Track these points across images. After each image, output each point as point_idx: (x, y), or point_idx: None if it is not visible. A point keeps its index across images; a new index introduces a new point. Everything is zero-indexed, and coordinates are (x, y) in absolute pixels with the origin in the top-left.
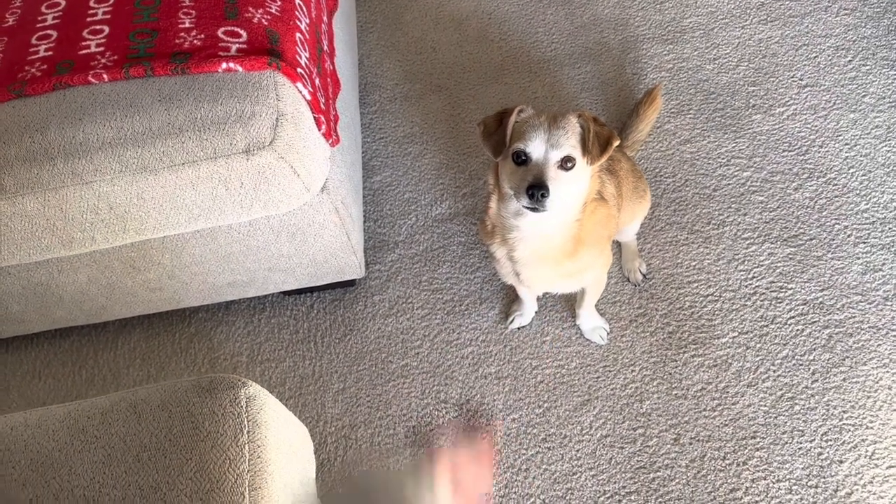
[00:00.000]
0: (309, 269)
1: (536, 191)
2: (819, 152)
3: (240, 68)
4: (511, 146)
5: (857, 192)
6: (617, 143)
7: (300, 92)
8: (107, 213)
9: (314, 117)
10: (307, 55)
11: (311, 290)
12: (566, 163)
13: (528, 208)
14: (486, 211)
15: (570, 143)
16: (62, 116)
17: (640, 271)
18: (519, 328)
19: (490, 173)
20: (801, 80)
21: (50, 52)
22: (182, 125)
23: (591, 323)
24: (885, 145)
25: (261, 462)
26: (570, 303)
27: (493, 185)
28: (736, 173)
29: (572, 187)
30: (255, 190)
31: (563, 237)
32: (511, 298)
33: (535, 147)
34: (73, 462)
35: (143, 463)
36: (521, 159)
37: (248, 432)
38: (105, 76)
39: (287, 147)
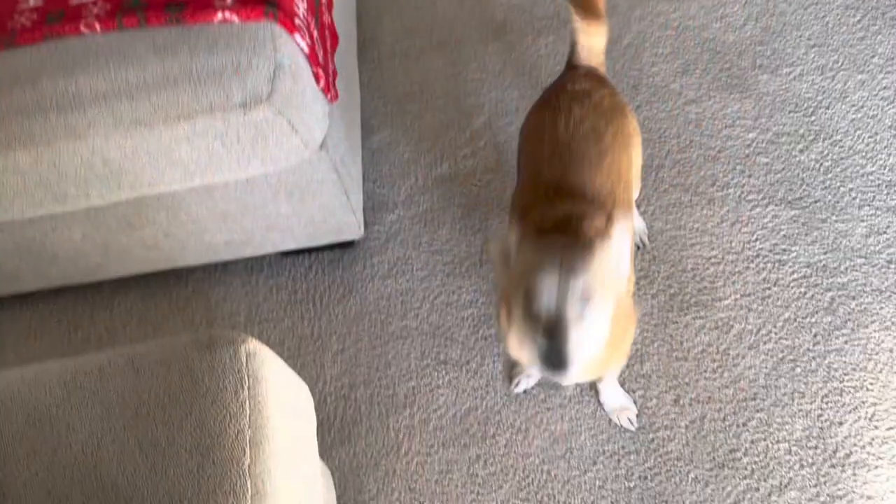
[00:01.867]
0: (307, 228)
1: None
2: (826, 114)
3: (236, 18)
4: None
5: (864, 154)
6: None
7: (298, 44)
8: (101, 169)
9: (312, 71)
10: (305, 6)
11: (309, 250)
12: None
13: None
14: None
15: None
16: (54, 68)
17: (642, 240)
18: (524, 392)
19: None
20: (808, 39)
21: (40, 2)
22: (177, 77)
23: (617, 401)
24: (893, 107)
25: (261, 418)
26: None
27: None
28: (741, 134)
29: None
30: (252, 146)
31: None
32: (514, 362)
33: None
34: (71, 417)
35: (141, 418)
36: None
37: (248, 388)
38: (97, 26)
39: (285, 101)
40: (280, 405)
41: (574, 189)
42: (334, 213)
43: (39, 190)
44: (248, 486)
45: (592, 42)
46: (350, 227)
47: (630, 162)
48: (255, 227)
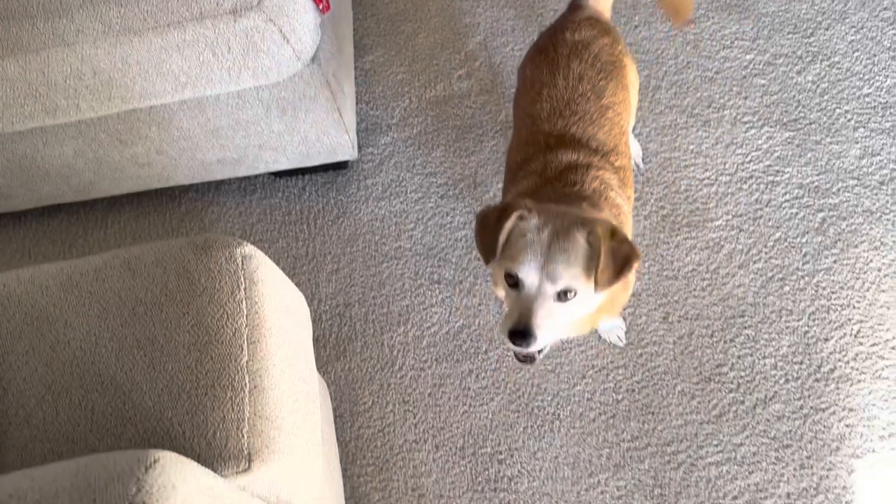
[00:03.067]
0: (300, 147)
1: (519, 339)
2: (824, 35)
3: None
4: (503, 261)
5: (861, 76)
6: (638, 263)
7: None
8: (91, 79)
9: None
10: None
11: (302, 171)
12: (565, 294)
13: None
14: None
15: (570, 272)
16: None
17: (636, 163)
18: None
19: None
20: None
21: None
22: None
23: (608, 323)
24: (893, 28)
25: (258, 317)
26: None
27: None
28: (739, 56)
29: (571, 317)
30: (243, 56)
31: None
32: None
33: (528, 273)
34: (68, 316)
35: (139, 317)
36: (513, 281)
37: (244, 289)
38: None
39: (276, 9)
40: (276, 307)
41: (576, 140)
42: (327, 132)
43: (29, 101)
44: (247, 381)
45: None
46: (343, 147)
47: (629, 107)
48: (248, 144)
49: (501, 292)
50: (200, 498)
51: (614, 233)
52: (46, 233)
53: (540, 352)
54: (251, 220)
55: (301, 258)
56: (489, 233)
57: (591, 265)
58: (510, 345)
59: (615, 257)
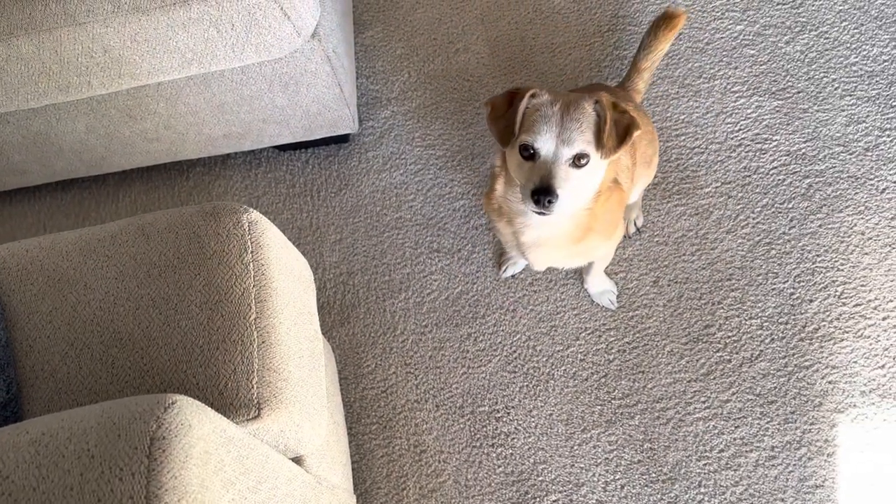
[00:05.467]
0: (303, 121)
1: (543, 196)
2: (813, 5)
3: None
4: (519, 137)
5: (848, 45)
6: (638, 132)
7: None
8: (101, 57)
9: None
10: None
11: (305, 145)
12: (579, 160)
13: (534, 212)
14: (491, 189)
15: (584, 137)
16: None
17: (636, 223)
18: (512, 276)
19: (497, 155)
20: None
21: None
22: None
23: (600, 286)
24: None
25: (265, 279)
26: None
27: (500, 167)
28: (729, 27)
29: (585, 185)
30: (245, 32)
31: (573, 226)
32: (503, 246)
33: (545, 142)
34: (88, 278)
35: (153, 278)
36: (529, 153)
37: (251, 252)
38: None
39: None
40: (282, 269)
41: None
42: (329, 106)
43: (43, 79)
44: (255, 337)
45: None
46: (344, 120)
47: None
48: (252, 119)
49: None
50: (214, 437)
51: (616, 105)
52: (60, 207)
53: (551, 201)
54: (257, 192)
55: (305, 229)
56: (503, 118)
57: (599, 134)
58: (532, 206)
59: (618, 126)
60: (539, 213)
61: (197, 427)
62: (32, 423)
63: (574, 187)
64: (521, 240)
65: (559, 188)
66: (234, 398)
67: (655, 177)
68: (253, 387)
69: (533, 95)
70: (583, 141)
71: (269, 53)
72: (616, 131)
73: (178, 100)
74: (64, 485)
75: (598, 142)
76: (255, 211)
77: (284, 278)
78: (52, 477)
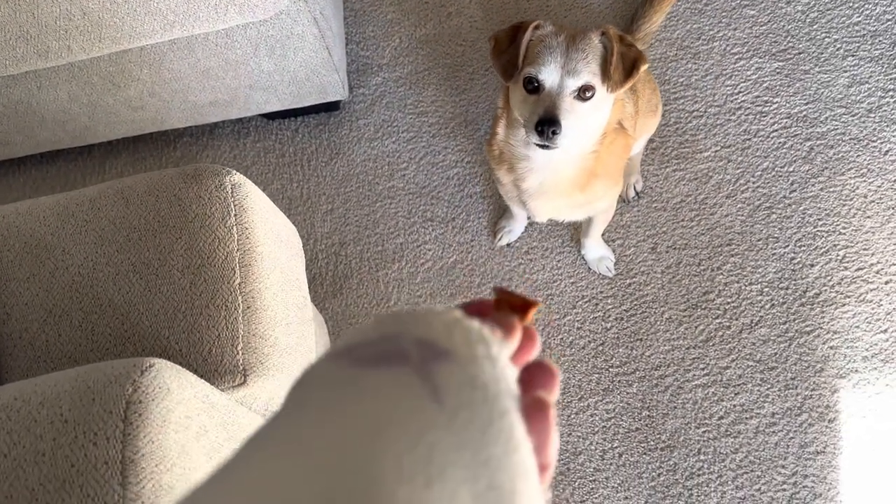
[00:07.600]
0: (291, 87)
1: (547, 127)
2: None
3: None
4: (523, 70)
5: (850, 4)
6: (645, 66)
7: None
8: (80, 20)
9: None
10: None
11: (294, 113)
12: (584, 92)
13: (537, 145)
14: (493, 134)
15: (589, 68)
16: None
17: (635, 188)
18: (508, 245)
19: (500, 94)
20: None
21: None
22: None
23: (597, 252)
24: None
25: (249, 243)
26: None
27: (503, 108)
28: None
29: (590, 120)
30: None
31: (577, 170)
32: (499, 214)
33: (549, 73)
34: (66, 244)
35: (133, 243)
36: (533, 86)
37: (235, 215)
38: None
39: None
40: (267, 233)
41: None
42: (317, 71)
43: (21, 43)
44: (240, 302)
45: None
46: (334, 86)
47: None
48: (238, 85)
49: (513, 108)
50: (195, 402)
51: (623, 38)
52: (46, 179)
53: (555, 133)
54: (245, 162)
55: (296, 199)
56: (506, 52)
57: (605, 66)
58: (536, 139)
59: (625, 59)
60: (542, 147)
61: (176, 391)
62: (4, 388)
63: (578, 121)
64: (523, 187)
65: (563, 119)
66: (219, 364)
67: (654, 140)
68: (238, 353)
69: (537, 27)
70: (588, 72)
71: (254, 14)
72: (623, 64)
73: (161, 65)
74: (36, 450)
75: (605, 74)
76: (238, 173)
77: (270, 243)
78: (23, 443)
